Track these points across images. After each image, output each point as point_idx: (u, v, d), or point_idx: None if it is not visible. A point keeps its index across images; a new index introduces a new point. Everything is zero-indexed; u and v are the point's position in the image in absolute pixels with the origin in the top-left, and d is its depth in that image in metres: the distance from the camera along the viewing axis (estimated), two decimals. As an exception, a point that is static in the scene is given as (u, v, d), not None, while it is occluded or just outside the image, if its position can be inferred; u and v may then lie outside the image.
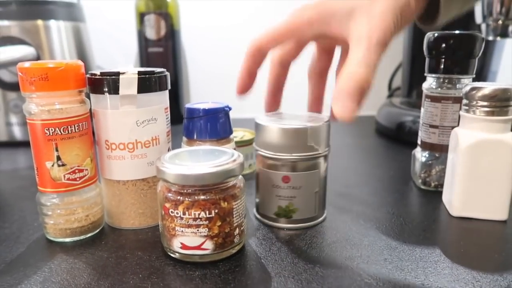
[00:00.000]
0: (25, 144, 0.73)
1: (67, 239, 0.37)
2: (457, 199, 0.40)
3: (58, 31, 0.73)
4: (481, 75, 0.77)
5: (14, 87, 0.72)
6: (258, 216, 0.41)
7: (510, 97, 0.37)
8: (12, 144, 0.74)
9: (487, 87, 0.38)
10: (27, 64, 0.33)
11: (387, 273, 0.31)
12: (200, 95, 0.99)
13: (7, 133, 0.74)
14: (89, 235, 0.38)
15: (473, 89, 0.38)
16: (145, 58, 0.85)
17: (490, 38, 0.66)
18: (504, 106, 0.38)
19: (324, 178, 0.39)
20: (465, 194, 0.40)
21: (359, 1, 0.32)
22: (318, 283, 0.30)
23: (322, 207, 0.40)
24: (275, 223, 0.39)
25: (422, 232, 0.37)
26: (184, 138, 0.42)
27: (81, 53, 0.79)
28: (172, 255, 0.33)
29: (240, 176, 0.34)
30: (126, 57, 0.95)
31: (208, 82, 0.99)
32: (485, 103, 0.38)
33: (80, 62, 0.36)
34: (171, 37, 0.85)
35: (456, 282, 0.30)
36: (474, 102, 0.38)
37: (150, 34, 0.84)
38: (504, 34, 0.65)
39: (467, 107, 0.39)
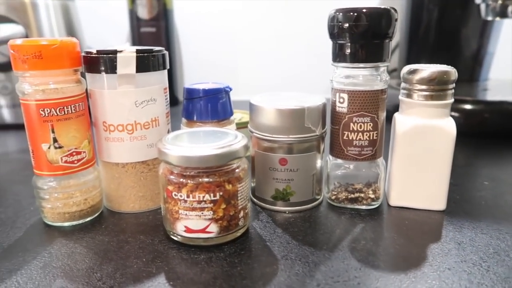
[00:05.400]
0: (15, 127, 0.71)
1: (66, 223, 0.36)
2: (394, 188, 0.38)
3: (46, 9, 0.70)
4: (478, 57, 0.76)
5: (2, 67, 0.69)
6: (255, 200, 0.40)
7: (449, 80, 0.35)
8: (1, 127, 0.72)
9: (425, 70, 0.35)
10: (19, 41, 0.32)
11: (395, 254, 0.31)
12: (194, 77, 0.97)
13: (-4, 116, 0.72)
14: (88, 219, 0.37)
15: (410, 71, 0.36)
16: (137, 38, 0.83)
17: (489, 18, 0.65)
18: (443, 90, 0.35)
19: (321, 160, 0.39)
20: (402, 182, 0.38)
21: None
22: (326, 266, 0.29)
23: (319, 189, 0.40)
24: (272, 206, 0.39)
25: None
26: (184, 120, 0.41)
27: (71, 32, 0.76)
28: (175, 238, 0.33)
29: (244, 158, 0.34)
30: (118, 37, 0.92)
31: (202, 63, 0.97)
32: (423, 87, 0.35)
33: (75, 40, 0.34)
34: (163, 17, 0.82)
35: (464, 262, 0.29)
36: (412, 86, 0.36)
37: (142, 13, 0.81)
38: (503, 14, 0.64)
39: (405, 91, 0.37)
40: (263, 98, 0.39)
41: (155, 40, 0.83)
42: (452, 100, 0.36)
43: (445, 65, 0.36)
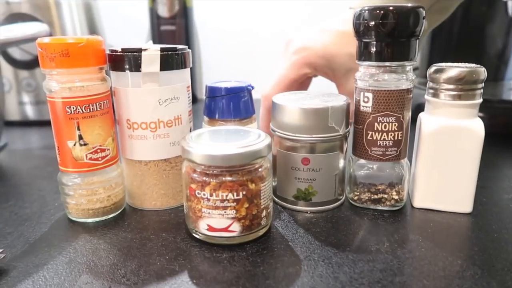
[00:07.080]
0: (37, 123, 0.73)
1: (89, 220, 0.36)
2: (418, 190, 0.37)
3: (69, 7, 0.71)
4: (503, 56, 0.74)
5: (26, 65, 0.71)
6: (276, 199, 0.40)
7: (478, 79, 0.34)
8: (25, 124, 0.73)
9: (453, 69, 0.34)
10: (47, 40, 0.32)
11: (420, 257, 0.30)
12: (212, 75, 0.97)
13: (20, 113, 0.73)
14: (111, 215, 0.37)
15: (437, 70, 0.35)
16: (157, 36, 0.84)
17: (517, 16, 0.64)
18: (471, 89, 0.34)
19: (344, 160, 0.38)
20: (427, 184, 0.37)
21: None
22: (350, 267, 0.29)
23: (342, 190, 0.39)
24: (294, 206, 0.38)
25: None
26: (206, 118, 0.41)
27: (93, 30, 0.77)
28: (197, 236, 0.33)
29: (267, 157, 0.33)
30: (138, 35, 0.93)
31: (221, 61, 0.97)
32: (450, 86, 0.34)
33: (101, 38, 0.35)
34: (183, 15, 0.83)
35: (492, 267, 0.29)
36: (439, 85, 0.35)
37: (162, 11, 0.82)
38: (531, 12, 0.62)
39: (431, 91, 0.36)
40: (286, 97, 0.39)
41: (174, 38, 0.83)
42: (481, 100, 0.35)
43: (473, 64, 0.35)
